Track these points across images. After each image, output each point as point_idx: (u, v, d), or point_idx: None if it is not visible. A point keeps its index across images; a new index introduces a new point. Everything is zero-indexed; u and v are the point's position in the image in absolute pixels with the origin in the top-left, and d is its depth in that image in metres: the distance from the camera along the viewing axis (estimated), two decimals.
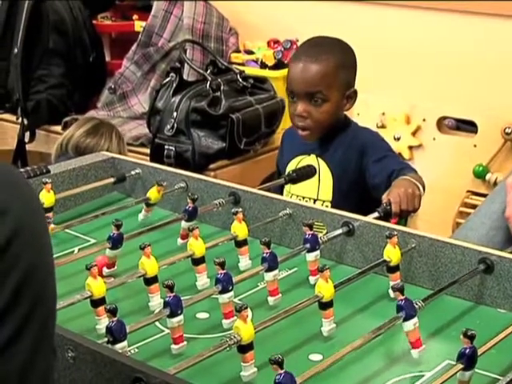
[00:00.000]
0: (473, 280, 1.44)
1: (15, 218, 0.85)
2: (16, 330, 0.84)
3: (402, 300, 1.24)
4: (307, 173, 1.98)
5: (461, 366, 1.13)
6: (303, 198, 2.16)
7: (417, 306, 1.26)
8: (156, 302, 1.39)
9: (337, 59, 2.14)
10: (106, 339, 1.18)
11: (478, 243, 1.56)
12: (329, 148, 2.18)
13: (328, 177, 2.15)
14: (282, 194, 2.16)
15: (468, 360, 1.13)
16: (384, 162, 2.10)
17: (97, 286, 1.31)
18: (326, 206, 2.10)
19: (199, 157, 2.79)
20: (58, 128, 3.18)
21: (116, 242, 1.52)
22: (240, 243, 1.56)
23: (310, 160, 2.18)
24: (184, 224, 1.65)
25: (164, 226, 1.68)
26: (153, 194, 1.77)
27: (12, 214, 0.85)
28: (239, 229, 1.56)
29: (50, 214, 1.69)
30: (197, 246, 1.47)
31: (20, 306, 0.85)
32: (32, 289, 0.86)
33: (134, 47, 3.36)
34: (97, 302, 1.31)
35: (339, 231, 1.58)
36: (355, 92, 2.18)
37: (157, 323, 1.33)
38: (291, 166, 2.20)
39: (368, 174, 2.11)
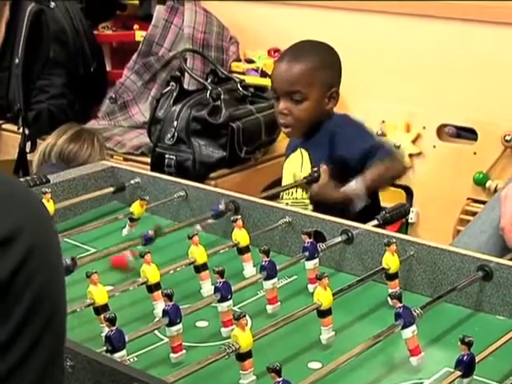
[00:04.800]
0: (472, 287, 1.44)
1: (29, 238, 0.84)
2: (28, 349, 0.83)
3: (400, 308, 1.25)
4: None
5: (459, 373, 1.13)
6: (294, 197, 2.19)
7: (415, 314, 1.26)
8: (160, 309, 1.39)
9: (317, 59, 2.22)
10: (104, 348, 1.18)
11: (478, 250, 1.56)
12: (312, 141, 2.22)
13: (309, 167, 2.18)
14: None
15: (466, 367, 1.13)
16: (355, 143, 2.14)
17: (98, 293, 1.32)
18: None
19: (200, 166, 2.79)
20: None
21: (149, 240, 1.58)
22: (242, 250, 1.56)
23: (296, 155, 2.23)
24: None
25: (168, 233, 1.67)
26: (136, 208, 1.76)
27: (26, 234, 0.83)
28: (240, 236, 1.56)
29: None
30: (198, 253, 1.48)
31: (33, 325, 0.83)
32: (44, 308, 0.84)
33: (134, 57, 3.36)
34: (99, 309, 1.31)
35: (338, 239, 1.58)
36: (337, 92, 2.23)
37: (156, 332, 1.33)
38: (286, 166, 2.27)
39: (345, 159, 2.14)
